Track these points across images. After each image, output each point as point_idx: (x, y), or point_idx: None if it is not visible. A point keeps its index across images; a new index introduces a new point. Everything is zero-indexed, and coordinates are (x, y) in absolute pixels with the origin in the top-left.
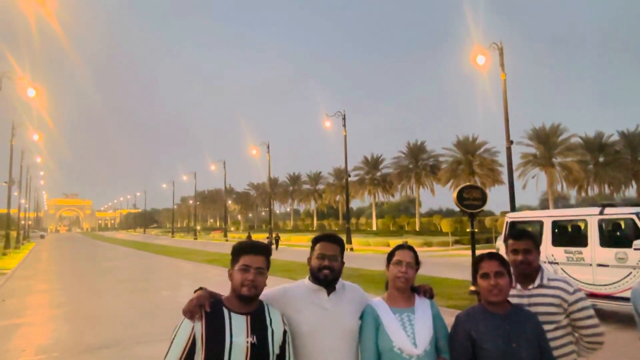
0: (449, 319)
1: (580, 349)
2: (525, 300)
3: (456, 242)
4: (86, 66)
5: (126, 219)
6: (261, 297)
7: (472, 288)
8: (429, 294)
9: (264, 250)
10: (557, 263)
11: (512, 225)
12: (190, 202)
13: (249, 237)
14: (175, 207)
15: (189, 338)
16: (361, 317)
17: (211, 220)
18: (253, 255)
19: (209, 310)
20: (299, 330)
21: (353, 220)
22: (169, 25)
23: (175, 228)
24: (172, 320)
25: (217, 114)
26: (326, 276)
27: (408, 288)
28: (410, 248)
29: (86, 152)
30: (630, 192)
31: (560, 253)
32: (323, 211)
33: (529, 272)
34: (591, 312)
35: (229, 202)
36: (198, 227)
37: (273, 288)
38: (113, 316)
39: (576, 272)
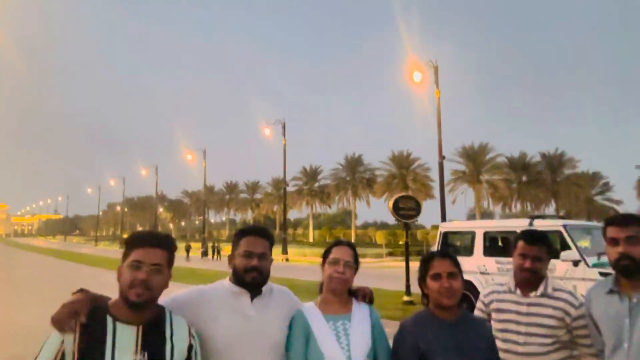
0: (387, 330)
1: None
2: (523, 309)
3: (389, 254)
4: None
5: (45, 225)
6: (165, 302)
7: (406, 298)
8: (368, 298)
9: (163, 242)
10: (488, 273)
11: (446, 235)
12: (118, 208)
13: (154, 227)
14: (100, 213)
15: (56, 355)
16: (289, 326)
17: (140, 229)
18: (148, 248)
19: (84, 320)
20: (214, 343)
21: (290, 231)
22: (100, 22)
23: (100, 236)
24: None
25: (150, 118)
26: (254, 279)
27: (345, 291)
28: (350, 245)
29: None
30: (550, 209)
31: (491, 263)
32: (260, 221)
33: (532, 281)
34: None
35: (161, 209)
36: (125, 236)
37: (183, 291)
38: (19, 329)
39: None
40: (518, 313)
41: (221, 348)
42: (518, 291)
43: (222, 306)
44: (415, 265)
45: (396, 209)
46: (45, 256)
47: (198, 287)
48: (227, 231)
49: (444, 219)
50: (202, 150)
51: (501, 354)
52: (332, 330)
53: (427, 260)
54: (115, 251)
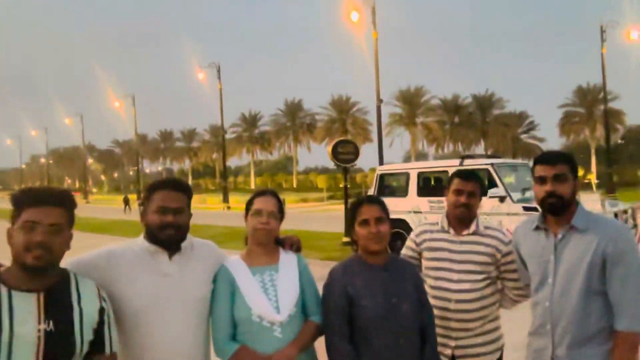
0: (323, 271)
1: (505, 300)
2: (456, 247)
3: (330, 197)
4: None
5: None
6: (71, 264)
7: (345, 239)
8: (295, 246)
9: (60, 200)
10: (421, 212)
11: (382, 177)
12: (43, 160)
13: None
14: (24, 166)
15: None
16: (214, 281)
17: (69, 181)
18: (43, 207)
19: None
20: (130, 306)
21: (231, 179)
22: None
23: None
24: None
25: (74, 64)
26: (170, 237)
27: (270, 242)
28: (273, 194)
29: None
30: (479, 149)
31: (424, 203)
32: (199, 170)
33: (466, 217)
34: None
35: (90, 160)
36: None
37: (92, 252)
38: None
39: (438, 220)
40: (451, 251)
41: (139, 309)
42: (451, 230)
43: (138, 266)
44: (338, 208)
45: (335, 153)
46: None
47: (107, 248)
48: None
49: (381, 161)
50: (130, 97)
51: (434, 292)
52: (259, 282)
53: (355, 207)
54: None
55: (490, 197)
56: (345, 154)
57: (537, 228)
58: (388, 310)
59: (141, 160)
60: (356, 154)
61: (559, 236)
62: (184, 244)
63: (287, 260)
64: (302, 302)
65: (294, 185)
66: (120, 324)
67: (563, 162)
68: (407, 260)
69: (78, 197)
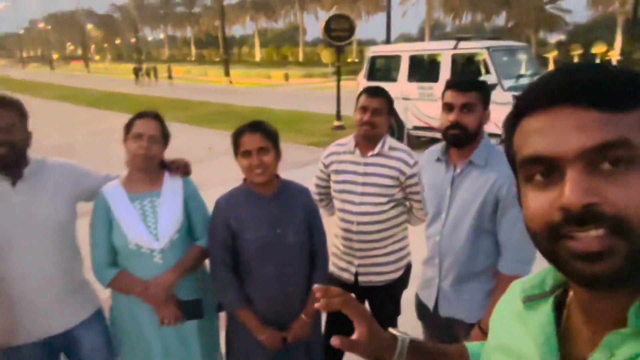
0: (310, 156)
1: (412, 218)
2: (361, 169)
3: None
4: None
5: None
6: None
7: (336, 123)
8: (182, 170)
9: None
10: (409, 99)
11: (373, 60)
12: (41, 25)
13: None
14: (22, 31)
15: None
16: (94, 210)
17: (71, 48)
18: None
19: None
20: None
21: (235, 50)
22: None
23: (28, 57)
24: None
25: None
26: (4, 156)
27: (153, 167)
28: (156, 116)
29: None
30: (501, 19)
31: (413, 89)
32: (202, 40)
33: (371, 136)
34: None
35: (90, 26)
36: (55, 56)
37: None
38: None
39: (427, 107)
40: (355, 173)
41: None
42: (357, 151)
43: None
44: (348, 85)
45: (328, 30)
46: None
47: None
48: (166, 50)
49: (388, 34)
50: None
51: (339, 214)
52: (138, 209)
53: (236, 136)
54: (47, 74)
55: None
56: (339, 30)
57: (438, 159)
58: (271, 241)
59: (141, 28)
60: (351, 30)
61: (458, 170)
62: (29, 169)
63: (172, 185)
64: (189, 226)
65: (300, 59)
66: None
67: (474, 89)
68: (300, 186)
69: (80, 66)
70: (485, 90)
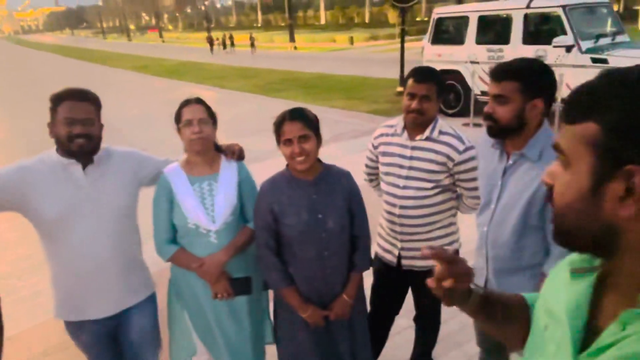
0: (370, 125)
1: (462, 206)
2: (407, 152)
3: (406, 33)
4: None
5: (50, 19)
6: None
7: (400, 89)
8: (237, 155)
9: None
10: (478, 62)
11: (439, 21)
12: None
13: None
14: (101, 3)
15: None
16: (156, 190)
17: (146, 18)
18: None
19: None
20: (45, 219)
21: (300, 14)
22: None
23: (107, 28)
24: None
25: None
26: (81, 147)
27: (208, 150)
28: (199, 101)
29: None
30: None
31: (482, 52)
32: (268, 4)
33: (419, 123)
34: (478, 173)
35: None
36: (132, 27)
37: (2, 168)
38: (21, 137)
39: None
40: (402, 156)
41: (55, 221)
42: (405, 134)
43: (51, 179)
44: (416, 46)
45: None
46: (52, 54)
47: (18, 163)
48: (234, 17)
49: None
50: None
51: (385, 197)
52: (198, 192)
53: (278, 125)
54: (124, 45)
55: (555, 46)
56: None
57: (493, 146)
58: (312, 226)
59: None
60: None
61: (510, 161)
62: (98, 156)
63: (228, 168)
64: (242, 209)
65: (366, 20)
66: (41, 237)
67: (511, 79)
68: (341, 170)
69: (154, 36)
70: (528, 79)
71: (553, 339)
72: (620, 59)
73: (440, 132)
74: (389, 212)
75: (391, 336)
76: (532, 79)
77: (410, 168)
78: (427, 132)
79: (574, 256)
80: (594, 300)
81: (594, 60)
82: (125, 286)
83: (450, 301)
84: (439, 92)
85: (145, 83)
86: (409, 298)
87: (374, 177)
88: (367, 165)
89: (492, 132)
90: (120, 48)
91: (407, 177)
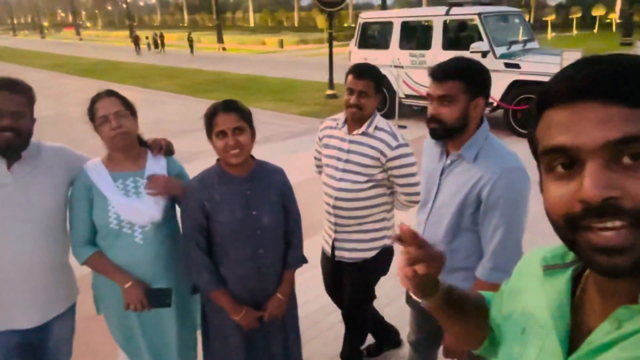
0: (300, 126)
1: (397, 203)
2: (345, 146)
3: (334, 38)
4: None
5: None
6: None
7: (329, 92)
8: (164, 150)
9: None
10: (402, 67)
11: (365, 26)
12: None
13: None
14: None
15: None
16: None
17: (62, 15)
18: None
19: None
20: None
21: (228, 15)
22: None
23: (18, 25)
24: None
25: None
26: (7, 141)
27: (132, 145)
28: (113, 94)
29: None
30: None
31: (405, 56)
32: (195, 4)
33: (357, 117)
34: (412, 170)
35: None
36: (45, 23)
37: None
38: None
39: (418, 75)
40: (340, 149)
41: None
42: (345, 128)
43: None
44: (343, 51)
45: None
46: None
47: None
48: (159, 16)
49: None
50: None
51: (323, 188)
52: (121, 188)
53: (210, 116)
54: (37, 42)
55: (472, 52)
56: None
57: (436, 144)
58: (246, 223)
59: None
60: None
61: (448, 161)
62: (26, 152)
63: (155, 165)
64: (173, 208)
65: (295, 24)
66: None
67: (454, 78)
68: (274, 166)
69: (72, 33)
70: (471, 78)
71: (534, 342)
72: (531, 64)
73: (376, 128)
74: (326, 204)
75: (321, 332)
76: (474, 77)
77: (347, 161)
78: (363, 127)
79: (541, 252)
80: (573, 297)
81: (507, 65)
82: (53, 293)
83: (420, 290)
84: (377, 89)
85: (60, 83)
86: None
87: (321, 169)
88: (315, 157)
89: (436, 134)
90: (32, 45)
91: (343, 170)
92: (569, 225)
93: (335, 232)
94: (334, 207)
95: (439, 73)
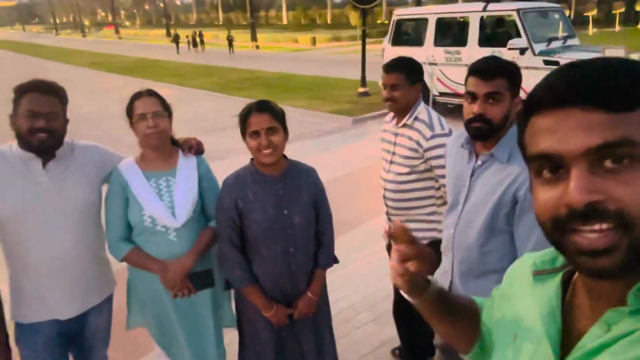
0: (332, 124)
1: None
2: (393, 138)
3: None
4: None
5: None
6: None
7: (361, 89)
8: (195, 149)
9: None
10: (436, 64)
11: (399, 23)
12: None
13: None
14: None
15: None
16: (110, 186)
17: (102, 14)
18: None
19: None
20: (2, 214)
21: (262, 13)
22: None
23: (61, 24)
24: None
25: None
26: (43, 141)
27: (165, 144)
28: (151, 93)
29: None
30: None
31: (440, 53)
32: (229, 2)
33: (395, 111)
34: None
35: None
36: (86, 22)
37: None
38: None
39: (453, 73)
40: (390, 142)
41: (11, 217)
42: (394, 121)
43: (9, 174)
44: (376, 48)
45: None
46: (3, 50)
47: None
48: (194, 15)
49: None
50: None
51: (380, 181)
52: (154, 187)
53: (243, 117)
54: (79, 41)
55: (510, 49)
56: None
57: (462, 146)
58: (278, 222)
59: None
60: None
61: (479, 162)
62: (60, 151)
63: (186, 164)
64: (202, 206)
65: (328, 21)
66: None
67: (501, 76)
68: (306, 166)
69: (111, 32)
70: (514, 76)
71: (526, 348)
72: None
73: (415, 119)
74: (382, 194)
75: (351, 330)
76: (517, 76)
77: (394, 153)
78: (404, 119)
79: (531, 258)
80: (563, 302)
81: (546, 62)
82: (90, 285)
83: (411, 288)
84: (411, 79)
85: (99, 80)
86: (372, 293)
87: None
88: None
89: (482, 133)
90: (74, 44)
91: (391, 162)
92: (556, 229)
93: (390, 220)
94: (385, 197)
95: (486, 69)
